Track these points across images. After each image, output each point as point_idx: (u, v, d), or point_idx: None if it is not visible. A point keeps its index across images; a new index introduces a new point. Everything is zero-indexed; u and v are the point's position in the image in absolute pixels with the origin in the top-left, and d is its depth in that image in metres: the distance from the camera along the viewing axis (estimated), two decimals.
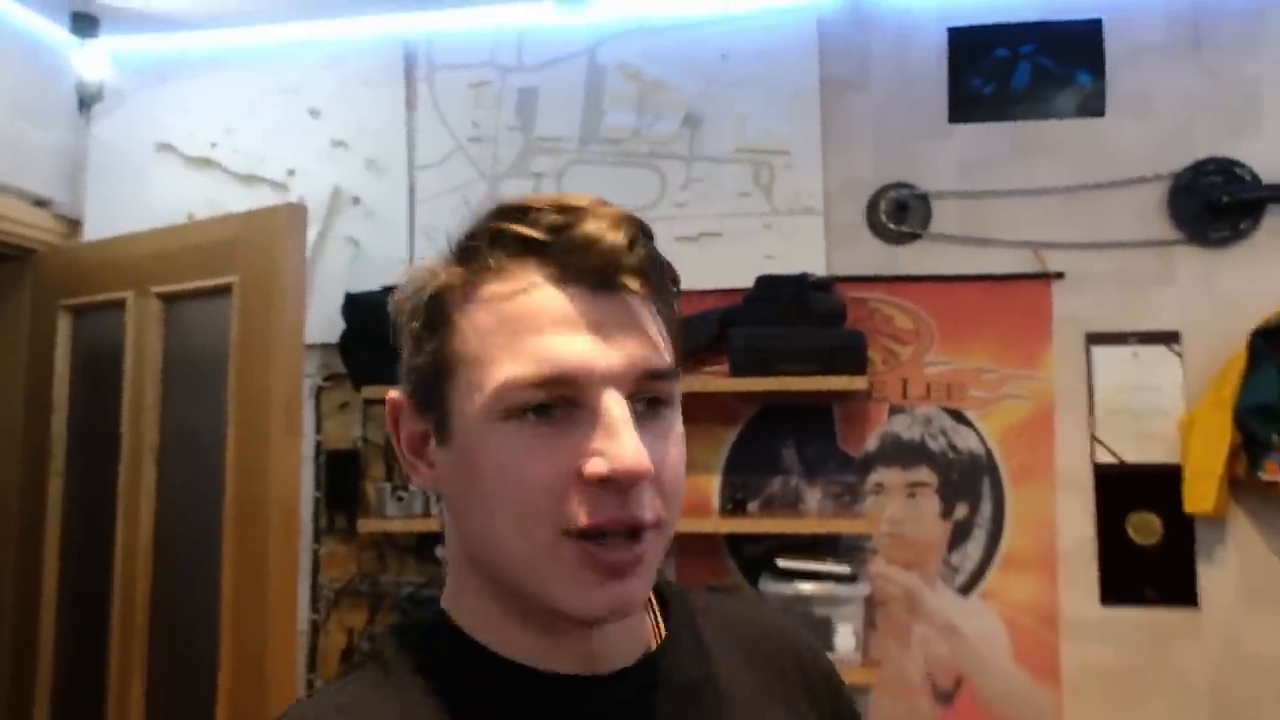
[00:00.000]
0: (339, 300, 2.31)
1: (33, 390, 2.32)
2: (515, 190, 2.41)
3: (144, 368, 2.13)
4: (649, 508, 0.54)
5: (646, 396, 0.56)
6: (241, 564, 1.93)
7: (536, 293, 0.54)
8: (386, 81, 2.48)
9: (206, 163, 2.50)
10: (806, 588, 2.06)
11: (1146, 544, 2.17)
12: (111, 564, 2.11)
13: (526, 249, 0.55)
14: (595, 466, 0.52)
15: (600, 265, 0.54)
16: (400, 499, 2.19)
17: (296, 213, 2.02)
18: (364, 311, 2.27)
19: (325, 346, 2.38)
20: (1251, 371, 2.10)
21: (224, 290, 2.03)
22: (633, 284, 0.55)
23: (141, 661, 2.05)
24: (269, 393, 1.94)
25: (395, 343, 0.61)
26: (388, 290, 2.33)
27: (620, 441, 0.52)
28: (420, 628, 0.62)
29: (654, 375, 0.55)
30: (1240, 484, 2.13)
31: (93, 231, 2.47)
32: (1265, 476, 2.06)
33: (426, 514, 2.19)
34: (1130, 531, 2.18)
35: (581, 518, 0.53)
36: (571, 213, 0.55)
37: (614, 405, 0.53)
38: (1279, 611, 2.12)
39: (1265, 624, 2.12)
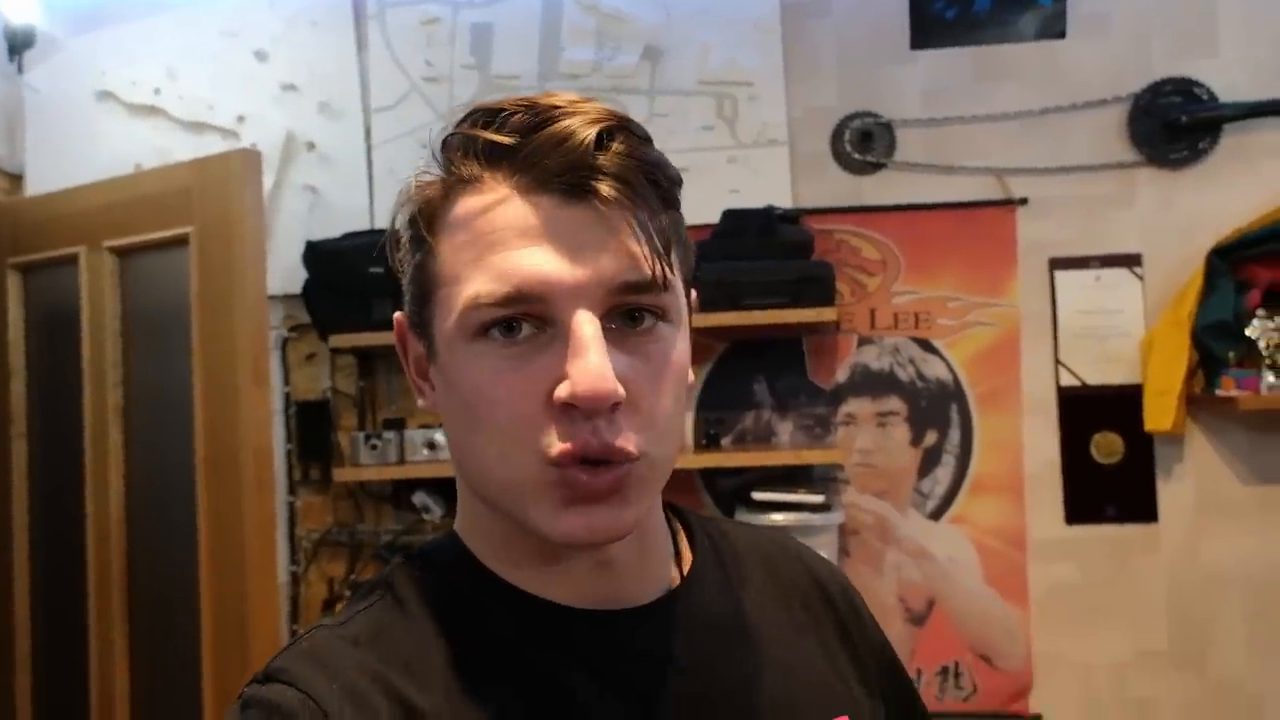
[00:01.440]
0: (299, 250, 2.26)
1: None
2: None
3: (102, 325, 2.07)
4: (624, 435, 0.50)
5: (626, 311, 0.52)
6: (217, 519, 1.91)
7: (504, 205, 0.51)
8: (335, 22, 2.39)
9: (151, 110, 2.40)
10: (781, 518, 2.09)
11: (1109, 463, 2.23)
12: (84, 526, 2.08)
13: (497, 155, 0.52)
14: (561, 391, 0.49)
15: (567, 167, 0.50)
16: (374, 447, 2.17)
17: (251, 158, 1.95)
18: (327, 259, 2.22)
19: (288, 297, 2.34)
20: (1209, 291, 2.14)
21: (180, 241, 1.97)
22: (605, 189, 0.50)
23: (122, 621, 2.04)
24: (234, 344, 1.90)
25: (392, 264, 0.59)
26: (350, 237, 2.28)
27: (583, 363, 0.48)
28: (434, 555, 0.60)
29: (630, 288, 0.51)
30: (1197, 402, 2.19)
31: (35, 186, 2.38)
32: (1221, 392, 2.11)
33: (401, 461, 2.18)
34: (1094, 452, 2.24)
35: (555, 444, 0.50)
36: (543, 112, 0.51)
37: (583, 323, 0.49)
38: (1233, 523, 2.20)
39: (1220, 536, 2.20)
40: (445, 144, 0.55)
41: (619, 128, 0.51)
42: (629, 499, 0.52)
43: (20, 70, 2.43)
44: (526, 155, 0.51)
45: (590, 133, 0.50)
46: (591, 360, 0.48)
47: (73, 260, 2.11)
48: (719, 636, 0.60)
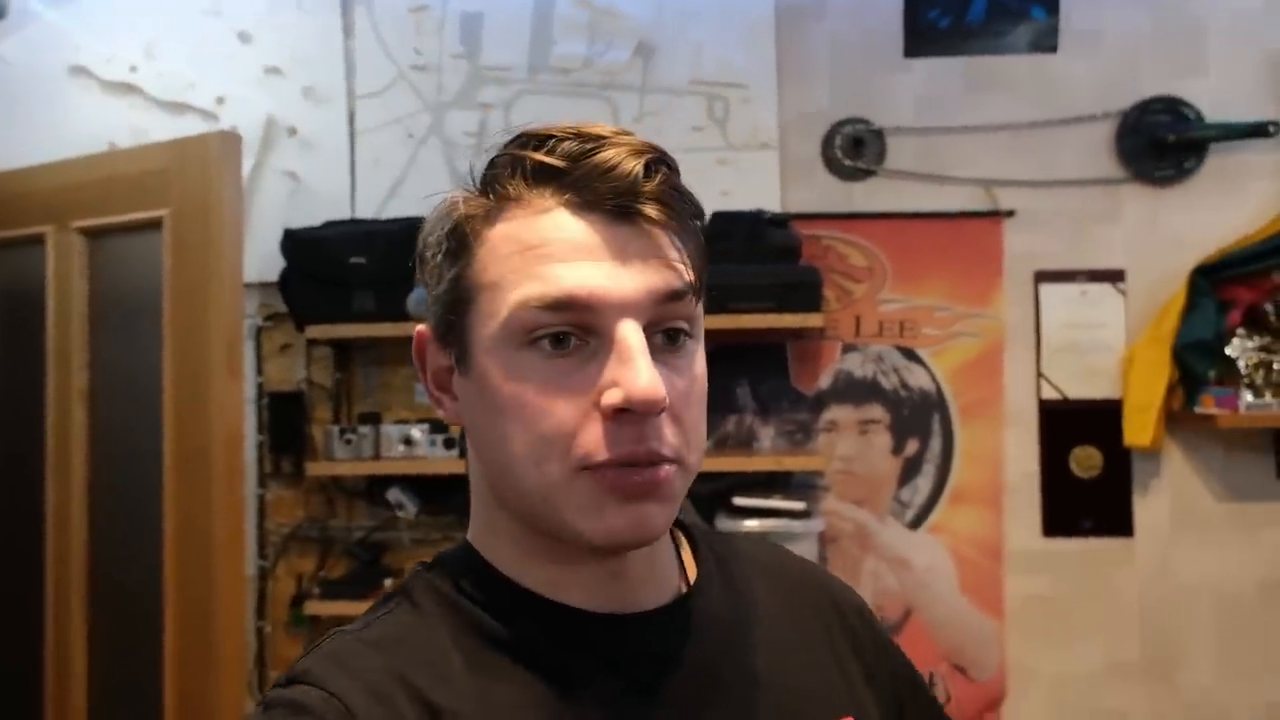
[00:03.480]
0: (277, 237, 2.20)
1: None
2: (461, 121, 2.32)
3: (68, 307, 2.00)
4: (667, 443, 0.53)
5: (665, 328, 0.55)
6: (184, 509, 1.85)
7: (554, 219, 0.54)
8: (321, 5, 2.33)
9: (127, 88, 2.33)
10: (761, 524, 2.07)
11: (1087, 477, 2.24)
12: (43, 512, 2.01)
13: (546, 177, 0.55)
14: (611, 397, 0.52)
15: (618, 192, 0.53)
16: (349, 442, 2.12)
17: (230, 141, 1.90)
18: (306, 248, 2.17)
19: (264, 285, 2.28)
20: (1191, 309, 2.16)
21: (154, 224, 1.90)
22: (651, 212, 0.54)
23: (81, 613, 1.97)
24: (207, 331, 1.85)
25: (420, 279, 0.61)
26: (330, 225, 2.23)
27: (634, 369, 0.51)
28: (449, 563, 0.62)
29: (671, 295, 0.54)
30: (1176, 418, 2.21)
31: (2, 162, 2.29)
32: (1200, 410, 2.13)
33: (376, 456, 2.13)
34: (1073, 465, 2.24)
35: (599, 452, 0.52)
36: (591, 140, 0.54)
37: (630, 333, 0.52)
38: (1207, 539, 2.22)
39: (1194, 551, 2.22)
40: (492, 163, 0.57)
41: (661, 159, 0.55)
42: (666, 499, 0.54)
43: None
44: (577, 179, 0.54)
45: (639, 163, 0.53)
46: (642, 366, 0.51)
47: (40, 240, 2.04)
48: (727, 640, 0.62)
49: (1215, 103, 2.22)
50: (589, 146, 0.54)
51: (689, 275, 0.55)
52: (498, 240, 0.55)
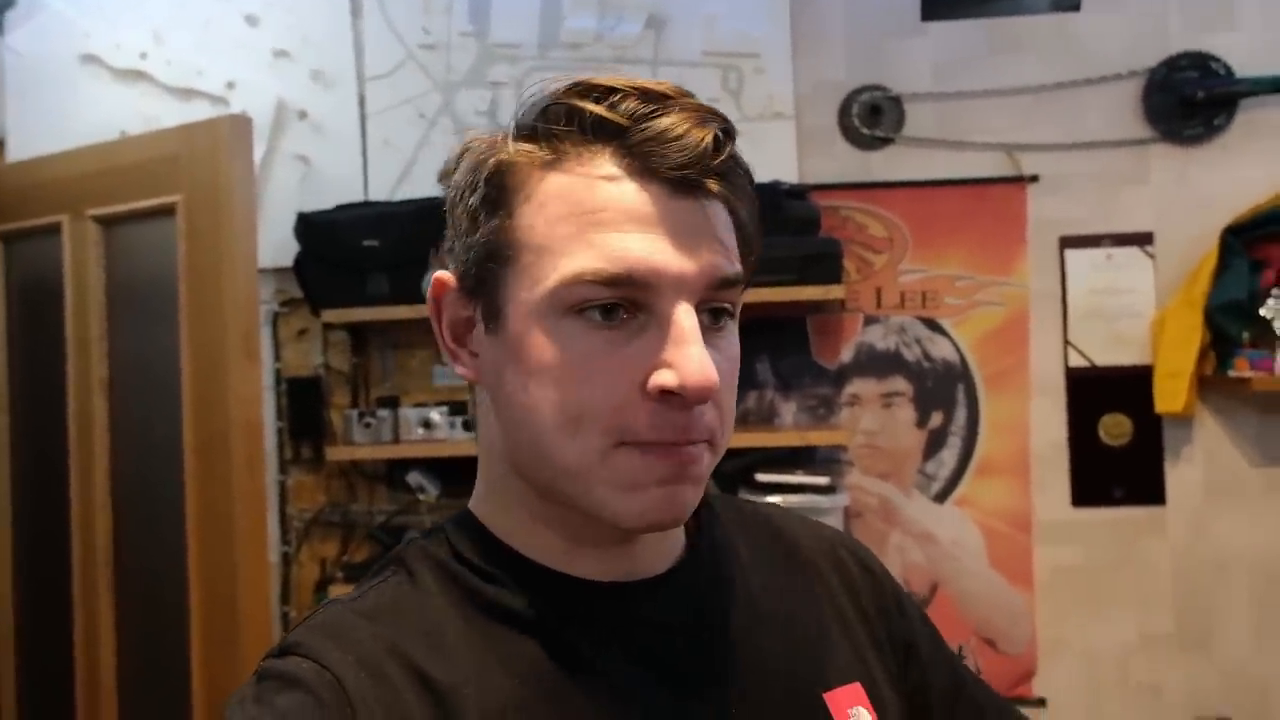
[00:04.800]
0: (291, 221, 2.19)
1: None
2: (472, 100, 2.29)
3: (86, 296, 2.01)
4: (706, 426, 0.52)
5: (712, 307, 0.53)
6: (206, 497, 1.85)
7: (613, 186, 0.51)
8: None
9: (137, 75, 2.32)
10: (785, 500, 2.05)
11: (1117, 445, 2.20)
12: (68, 503, 2.02)
13: (605, 133, 0.52)
14: (663, 379, 0.50)
15: (682, 164, 0.50)
16: (368, 426, 2.12)
17: (240, 125, 1.89)
18: (319, 231, 2.15)
19: (279, 270, 2.27)
20: (1223, 270, 2.10)
21: (167, 211, 1.90)
22: (714, 187, 0.52)
23: (108, 602, 1.98)
24: (223, 318, 1.84)
25: (448, 218, 0.57)
26: (342, 208, 2.20)
27: (689, 354, 0.49)
28: (449, 532, 0.60)
29: (724, 282, 0.52)
30: (1208, 383, 2.15)
31: (16, 152, 2.29)
32: (1234, 373, 2.08)
33: (395, 440, 2.12)
34: (1101, 433, 2.20)
35: (643, 431, 0.51)
36: (656, 100, 0.51)
37: (684, 315, 0.50)
38: (1242, 507, 2.17)
39: (1228, 519, 2.17)
40: (544, 111, 0.53)
41: (726, 130, 0.53)
42: (698, 480, 0.53)
43: (1, 32, 2.34)
44: (640, 142, 0.51)
45: (707, 134, 0.51)
46: (695, 351, 0.50)
47: (55, 229, 2.04)
48: (726, 604, 0.60)
49: (1245, 57, 2.15)
50: (653, 107, 0.51)
51: (739, 259, 0.54)
52: (548, 196, 0.52)
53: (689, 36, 2.27)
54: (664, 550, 0.60)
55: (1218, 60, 2.16)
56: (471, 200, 0.54)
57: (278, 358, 2.31)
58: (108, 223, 2.00)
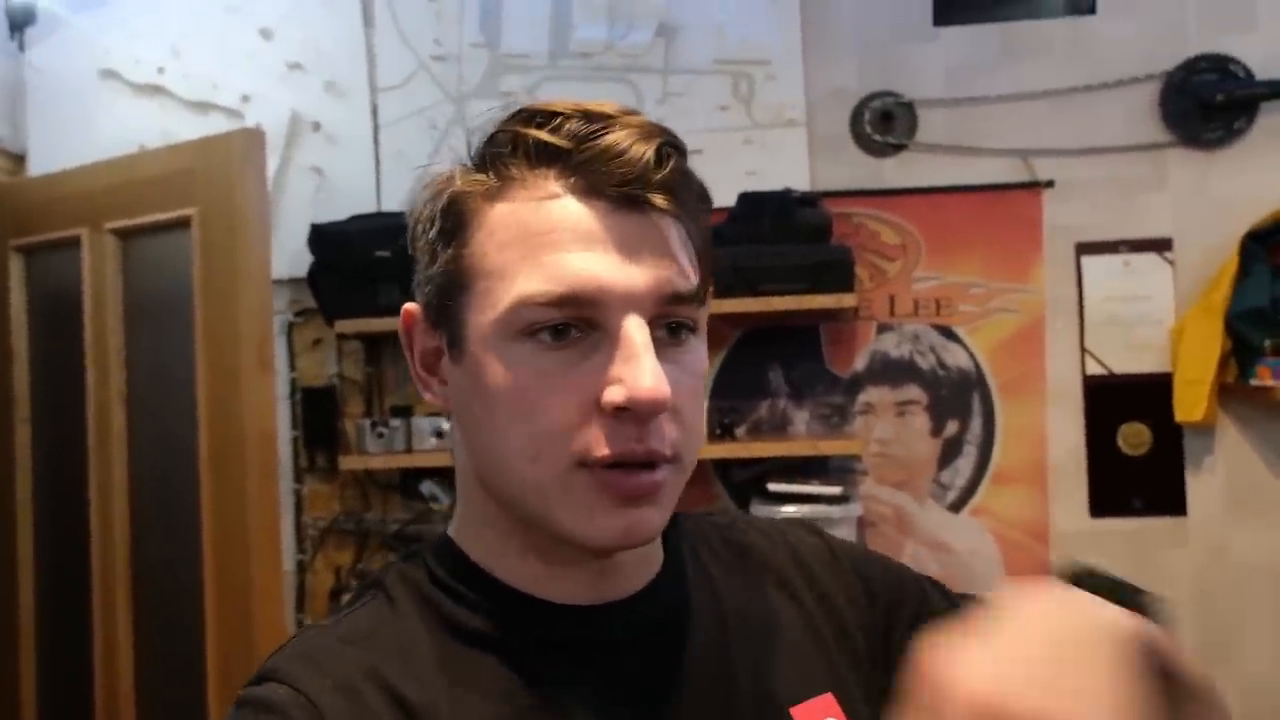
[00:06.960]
0: (305, 232, 2.21)
1: None
2: (483, 110, 2.30)
3: (104, 308, 2.03)
4: (667, 440, 0.52)
5: (668, 322, 0.53)
6: (221, 505, 1.87)
7: (557, 205, 0.51)
8: None
9: (155, 90, 2.35)
10: (797, 510, 2.04)
11: (1136, 454, 2.16)
12: (87, 512, 2.05)
13: (549, 157, 0.52)
14: (613, 395, 0.50)
15: (625, 179, 0.50)
16: (381, 435, 2.13)
17: (254, 137, 1.90)
18: (332, 243, 2.17)
19: (293, 281, 2.29)
20: (1243, 276, 2.07)
21: (183, 223, 1.92)
22: (659, 201, 0.51)
23: (126, 609, 2.01)
24: (238, 328, 1.86)
25: (411, 252, 0.58)
26: (356, 219, 2.21)
27: (639, 367, 0.49)
28: (426, 556, 0.61)
29: (677, 298, 0.52)
30: (1229, 391, 2.12)
31: (38, 167, 2.34)
32: (1256, 382, 2.04)
33: (409, 450, 2.14)
34: (1120, 443, 2.17)
35: (598, 448, 0.51)
36: (597, 120, 0.51)
37: (634, 330, 0.50)
38: (1264, 517, 2.13)
39: (1250, 530, 2.14)
40: (491, 139, 0.54)
41: (671, 144, 0.52)
42: (662, 502, 0.53)
43: (22, 48, 2.38)
44: (582, 162, 0.51)
45: (649, 148, 0.51)
46: (647, 363, 0.49)
47: (75, 242, 2.07)
48: (697, 623, 0.60)
49: (1265, 59, 2.12)
50: (596, 127, 0.51)
51: (694, 278, 0.53)
52: (497, 223, 0.52)
53: (699, 45, 2.27)
54: (638, 570, 0.60)
55: (1237, 62, 2.13)
56: (430, 233, 0.55)
57: (293, 367, 2.33)
58: (125, 235, 2.03)
